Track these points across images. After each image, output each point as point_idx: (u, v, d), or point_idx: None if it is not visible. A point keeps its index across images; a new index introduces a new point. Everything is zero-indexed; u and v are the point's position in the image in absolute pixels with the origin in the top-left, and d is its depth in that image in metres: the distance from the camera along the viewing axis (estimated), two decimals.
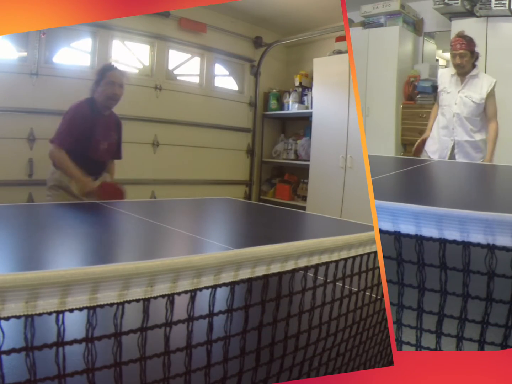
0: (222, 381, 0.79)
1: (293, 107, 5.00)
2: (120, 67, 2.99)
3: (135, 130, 4.16)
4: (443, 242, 0.94)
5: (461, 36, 2.92)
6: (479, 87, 2.92)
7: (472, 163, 2.83)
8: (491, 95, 2.92)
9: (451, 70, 3.01)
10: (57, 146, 2.75)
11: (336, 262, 0.96)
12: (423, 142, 3.13)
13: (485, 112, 2.95)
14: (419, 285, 0.99)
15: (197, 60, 4.71)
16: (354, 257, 1.01)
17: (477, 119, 2.96)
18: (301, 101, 5.00)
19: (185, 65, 4.66)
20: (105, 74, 2.82)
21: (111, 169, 3.03)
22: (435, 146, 3.07)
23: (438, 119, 3.06)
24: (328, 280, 0.96)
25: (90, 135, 2.79)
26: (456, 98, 2.96)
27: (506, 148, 4.02)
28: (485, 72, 4.17)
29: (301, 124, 5.10)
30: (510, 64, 4.06)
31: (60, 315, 0.62)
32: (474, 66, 2.93)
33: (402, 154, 4.66)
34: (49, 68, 3.63)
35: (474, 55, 2.91)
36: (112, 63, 3.05)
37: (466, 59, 2.88)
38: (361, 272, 1.05)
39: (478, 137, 2.98)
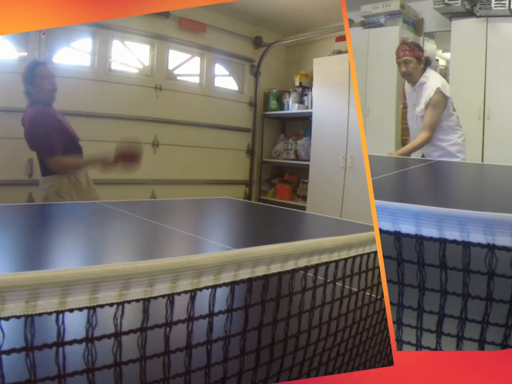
0: (222, 381, 0.79)
1: (293, 107, 5.00)
2: (41, 59, 3.08)
3: (135, 130, 4.17)
4: (443, 242, 0.94)
5: (404, 43, 2.77)
6: (422, 96, 2.73)
7: (472, 163, 2.82)
8: (431, 103, 2.68)
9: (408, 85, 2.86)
10: (52, 157, 2.76)
11: (336, 262, 0.96)
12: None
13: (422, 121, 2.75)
14: (419, 285, 0.99)
15: (197, 60, 4.71)
16: (354, 257, 1.01)
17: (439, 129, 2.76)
18: (301, 101, 5.00)
19: (185, 65, 4.66)
20: (35, 71, 2.83)
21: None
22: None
23: (410, 138, 2.91)
24: (328, 280, 0.96)
25: (64, 127, 2.90)
26: (412, 113, 2.82)
27: (506, 148, 4.03)
28: (485, 72, 4.17)
29: (301, 124, 5.10)
30: (510, 64, 4.06)
31: (60, 315, 0.62)
32: (423, 71, 2.74)
33: None
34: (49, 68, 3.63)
35: (421, 61, 2.73)
36: (35, 59, 3.11)
37: (412, 65, 2.71)
38: (361, 272, 1.05)
39: (448, 146, 2.79)
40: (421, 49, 2.77)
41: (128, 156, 2.74)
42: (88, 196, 2.80)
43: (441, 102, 2.68)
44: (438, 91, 2.67)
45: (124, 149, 2.79)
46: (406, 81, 2.91)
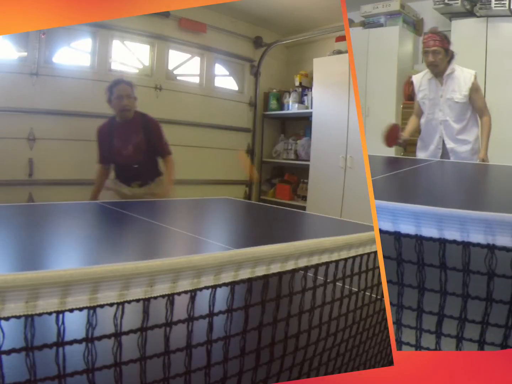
0: (222, 381, 0.79)
1: (293, 107, 5.00)
2: (127, 79, 3.21)
3: None
4: (443, 242, 0.94)
5: (435, 32, 2.72)
6: (458, 84, 2.73)
7: (472, 163, 2.81)
8: (474, 89, 2.71)
9: (428, 74, 2.80)
10: (99, 163, 3.12)
11: (336, 262, 0.96)
12: (396, 131, 2.97)
13: (474, 108, 2.76)
14: (419, 285, 0.99)
15: (197, 60, 4.71)
16: (354, 257, 1.01)
17: (464, 123, 2.79)
18: (301, 101, 5.00)
19: (185, 65, 4.66)
20: (112, 89, 3.04)
21: (165, 168, 3.19)
22: (425, 154, 2.94)
23: (422, 130, 2.90)
24: (328, 280, 0.96)
25: (110, 145, 3.06)
26: (439, 104, 2.78)
27: (506, 148, 4.03)
28: (485, 72, 4.17)
29: (301, 124, 5.10)
30: (510, 64, 4.06)
31: (60, 315, 0.62)
32: (449, 64, 2.73)
33: (402, 154, 4.66)
34: (49, 68, 3.63)
35: (448, 54, 2.71)
36: (119, 77, 3.26)
37: (440, 57, 2.68)
38: (361, 272, 1.05)
39: (470, 137, 2.81)
40: (449, 41, 2.73)
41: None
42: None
43: (480, 87, 2.74)
44: (476, 76, 2.71)
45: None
46: (418, 75, 2.87)
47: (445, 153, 2.86)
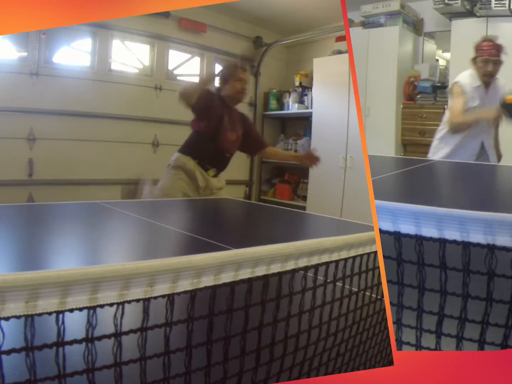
0: (222, 381, 0.79)
1: (293, 107, 5.00)
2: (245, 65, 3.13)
3: (135, 130, 4.16)
4: (443, 242, 0.94)
5: (494, 41, 2.65)
6: (500, 93, 2.71)
7: (472, 163, 2.81)
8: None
9: (474, 80, 2.70)
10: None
11: (336, 262, 0.96)
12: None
13: None
14: (419, 285, 0.99)
15: (197, 60, 4.71)
16: (354, 257, 1.01)
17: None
18: (301, 101, 5.00)
19: (185, 65, 4.66)
20: (232, 71, 2.93)
21: (274, 153, 3.38)
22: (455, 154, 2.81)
23: (464, 136, 2.75)
24: (328, 280, 0.96)
25: (219, 122, 2.85)
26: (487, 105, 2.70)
27: (506, 148, 4.02)
28: None
29: (301, 124, 5.10)
30: (510, 64, 4.06)
31: (60, 315, 0.62)
32: None
33: (402, 154, 4.66)
34: (49, 68, 3.64)
35: (502, 64, 2.67)
36: (240, 61, 3.15)
37: (498, 67, 2.62)
38: (361, 272, 1.05)
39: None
40: (503, 52, 2.69)
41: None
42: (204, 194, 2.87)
43: None
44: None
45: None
46: (465, 79, 2.75)
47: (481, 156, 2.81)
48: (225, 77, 2.94)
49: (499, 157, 2.86)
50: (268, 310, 0.84)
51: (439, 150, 2.88)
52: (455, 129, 2.76)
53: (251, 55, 3.30)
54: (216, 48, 4.74)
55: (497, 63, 2.64)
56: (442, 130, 2.88)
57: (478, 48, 2.71)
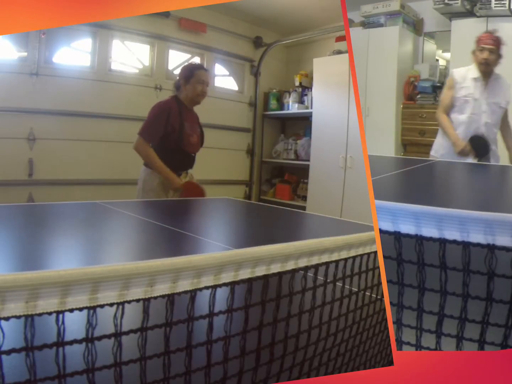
0: (222, 381, 0.79)
1: (293, 107, 5.00)
2: (206, 66, 3.17)
3: (136, 130, 4.16)
4: (443, 242, 0.94)
5: (494, 33, 2.72)
6: (503, 90, 2.74)
7: (472, 163, 2.81)
8: None
9: (473, 72, 2.75)
10: (145, 140, 2.88)
11: (336, 262, 0.96)
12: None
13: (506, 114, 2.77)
14: (419, 285, 0.99)
15: (197, 60, 4.71)
16: (354, 257, 1.01)
17: (498, 125, 2.81)
18: (301, 101, 5.00)
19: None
20: (194, 72, 2.94)
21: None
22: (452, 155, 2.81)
23: (458, 130, 2.77)
24: (328, 280, 0.96)
25: (181, 129, 2.90)
26: (483, 106, 2.74)
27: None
28: None
29: (301, 124, 5.10)
30: (510, 64, 4.06)
31: (60, 315, 0.62)
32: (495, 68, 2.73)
33: (402, 154, 4.66)
34: (49, 68, 3.64)
35: (500, 57, 2.71)
36: (199, 63, 3.23)
37: (494, 57, 2.67)
38: (361, 272, 1.05)
39: (509, 142, 2.84)
40: (503, 44, 2.73)
41: (192, 192, 2.89)
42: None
43: None
44: None
45: (191, 184, 2.93)
46: (461, 70, 2.81)
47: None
48: (186, 79, 2.94)
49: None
50: (268, 310, 0.84)
51: (440, 146, 2.92)
52: (438, 116, 2.87)
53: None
54: (216, 48, 4.74)
55: (493, 52, 2.67)
56: None
57: (477, 40, 2.77)
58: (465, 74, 2.78)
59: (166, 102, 2.96)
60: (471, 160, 2.71)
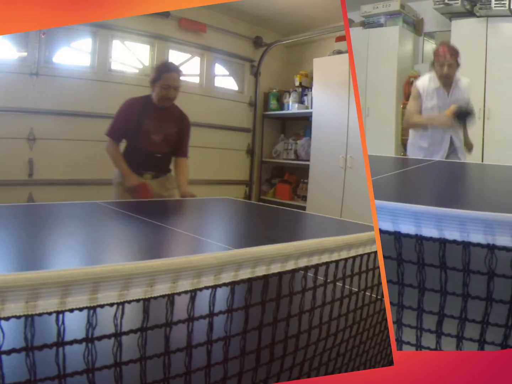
0: (222, 381, 0.79)
1: (293, 107, 5.00)
2: (177, 67, 3.01)
3: None
4: (443, 242, 0.94)
5: (448, 45, 2.85)
6: (462, 93, 2.89)
7: (472, 163, 2.82)
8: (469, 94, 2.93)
9: (434, 82, 2.89)
10: (110, 138, 2.87)
11: (336, 262, 0.96)
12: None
13: None
14: (419, 285, 0.99)
15: (197, 60, 4.72)
16: (354, 257, 1.01)
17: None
18: (301, 101, 5.00)
19: (185, 65, 4.66)
20: (161, 75, 2.81)
21: (179, 168, 2.99)
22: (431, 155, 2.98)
23: (431, 136, 2.93)
24: (328, 280, 0.96)
25: (139, 127, 2.81)
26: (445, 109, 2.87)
27: (506, 148, 4.03)
28: (485, 72, 4.18)
29: (301, 124, 5.10)
30: (510, 64, 4.06)
31: (60, 315, 0.62)
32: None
33: (402, 154, 4.66)
34: (49, 68, 3.64)
35: (458, 67, 2.85)
36: (170, 63, 3.04)
37: (453, 69, 2.82)
38: (361, 272, 1.05)
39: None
40: (459, 54, 2.86)
41: (143, 195, 2.77)
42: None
43: None
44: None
45: (144, 187, 2.81)
46: (423, 82, 2.94)
47: (451, 152, 2.97)
48: (153, 80, 2.85)
49: (469, 146, 2.98)
50: (268, 310, 0.84)
51: (415, 147, 3.05)
52: (408, 128, 3.06)
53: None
54: (216, 48, 4.74)
55: (452, 66, 2.81)
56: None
57: (435, 53, 2.91)
58: (427, 85, 2.91)
59: (132, 99, 2.91)
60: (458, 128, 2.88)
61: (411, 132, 3.09)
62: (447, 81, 2.85)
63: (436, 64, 2.86)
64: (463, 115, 2.78)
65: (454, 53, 2.80)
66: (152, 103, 2.86)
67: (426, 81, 2.93)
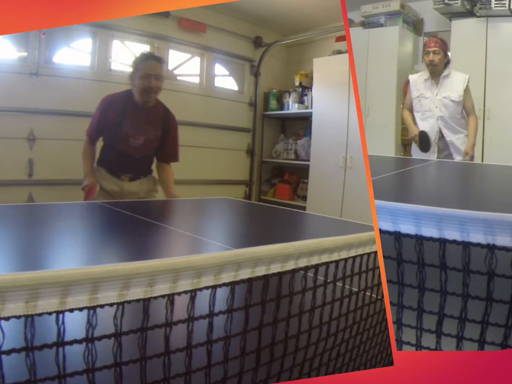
0: (222, 381, 0.79)
1: (293, 107, 5.00)
2: (157, 56, 2.78)
3: None
4: (443, 242, 0.94)
5: (436, 36, 3.02)
6: (454, 85, 2.98)
7: (472, 163, 2.83)
8: (467, 90, 2.98)
9: (424, 74, 3.05)
10: (86, 135, 2.72)
11: (336, 262, 0.96)
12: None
13: (464, 108, 3.01)
14: (419, 285, 0.99)
15: (197, 60, 4.71)
16: (354, 257, 1.01)
17: (459, 117, 3.02)
18: (301, 101, 5.00)
19: (185, 65, 4.66)
20: (139, 66, 2.61)
21: (165, 173, 2.82)
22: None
23: (419, 125, 3.08)
24: (328, 280, 0.96)
25: (118, 127, 2.62)
26: (435, 102, 3.00)
27: (506, 148, 4.02)
28: (485, 72, 4.17)
29: (301, 124, 5.10)
30: (510, 64, 4.06)
31: (60, 315, 0.62)
32: (445, 67, 2.99)
33: (402, 154, 4.66)
34: (49, 68, 3.64)
35: (446, 57, 2.97)
36: (148, 52, 2.76)
37: (439, 57, 2.93)
38: (361, 272, 1.05)
39: (464, 129, 3.04)
40: (448, 47, 3.05)
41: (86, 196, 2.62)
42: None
43: (470, 90, 3.01)
44: (469, 80, 2.99)
45: (92, 192, 2.63)
46: (415, 75, 3.13)
47: (442, 147, 3.05)
48: (133, 74, 2.63)
49: (468, 154, 3.04)
50: (268, 310, 0.84)
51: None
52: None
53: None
54: (216, 48, 4.74)
55: (437, 53, 2.94)
56: None
57: (423, 45, 3.19)
58: (417, 78, 3.09)
59: (110, 95, 2.72)
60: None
61: None
62: (434, 69, 2.97)
63: (424, 54, 3.02)
64: (423, 141, 2.96)
65: (440, 42, 2.95)
66: (133, 101, 2.65)
67: (417, 75, 3.11)
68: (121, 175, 2.70)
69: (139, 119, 2.65)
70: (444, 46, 2.97)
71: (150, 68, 2.59)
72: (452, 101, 2.97)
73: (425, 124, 3.04)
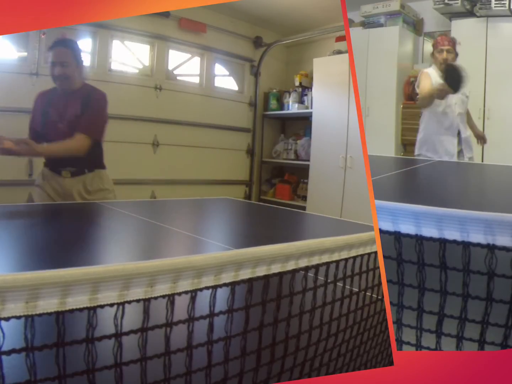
0: (223, 381, 0.79)
1: (293, 107, 5.00)
2: (67, 41, 2.56)
3: (135, 130, 4.17)
4: (443, 242, 0.94)
5: (447, 35, 3.08)
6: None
7: (472, 163, 2.83)
8: None
9: (436, 72, 2.97)
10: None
11: (337, 262, 0.96)
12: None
13: None
14: (419, 285, 0.99)
15: (197, 60, 4.72)
16: (354, 257, 1.01)
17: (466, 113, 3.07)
18: (301, 101, 5.00)
19: (185, 65, 4.66)
20: (49, 54, 2.50)
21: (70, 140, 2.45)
22: (434, 147, 3.04)
23: (439, 121, 3.01)
24: (329, 281, 0.96)
25: (46, 118, 2.50)
26: (454, 98, 2.97)
27: (506, 148, 4.02)
28: (485, 72, 4.18)
29: (301, 124, 5.10)
30: (510, 64, 4.06)
31: (60, 316, 0.62)
32: None
33: (402, 154, 4.66)
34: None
35: (457, 56, 2.99)
36: (59, 38, 2.53)
37: (453, 56, 2.94)
38: (361, 272, 1.05)
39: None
40: (456, 45, 3.05)
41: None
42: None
43: None
44: None
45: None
46: (431, 70, 3.02)
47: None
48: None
49: (479, 137, 3.11)
50: (268, 311, 0.84)
51: (421, 143, 3.14)
52: (422, 104, 3.07)
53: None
54: (216, 48, 4.74)
55: (450, 52, 2.94)
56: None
57: (434, 43, 3.07)
58: (436, 75, 2.96)
59: (40, 92, 2.61)
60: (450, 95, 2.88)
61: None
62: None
63: (435, 52, 2.99)
64: (453, 73, 2.74)
65: (452, 40, 2.96)
66: (57, 91, 2.53)
67: (432, 71, 3.01)
68: (61, 170, 2.48)
69: (61, 104, 2.51)
70: (455, 46, 2.98)
71: (55, 55, 2.47)
72: (467, 97, 3.01)
73: (445, 120, 3.01)
